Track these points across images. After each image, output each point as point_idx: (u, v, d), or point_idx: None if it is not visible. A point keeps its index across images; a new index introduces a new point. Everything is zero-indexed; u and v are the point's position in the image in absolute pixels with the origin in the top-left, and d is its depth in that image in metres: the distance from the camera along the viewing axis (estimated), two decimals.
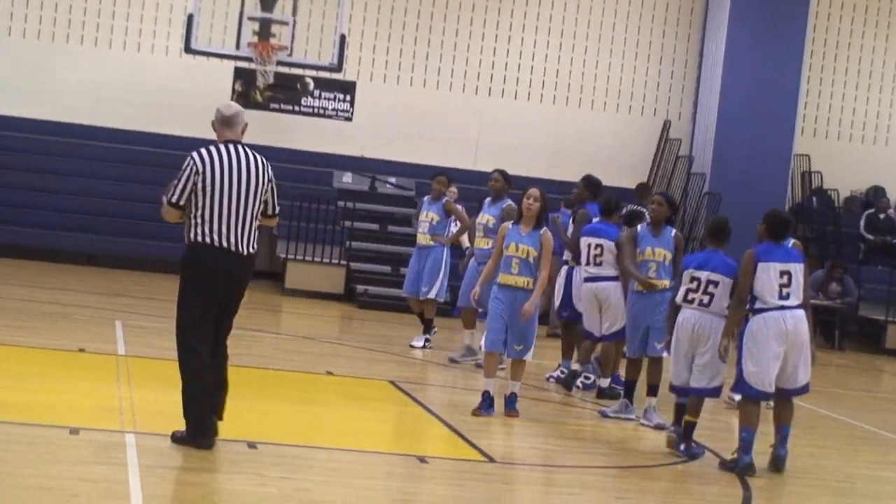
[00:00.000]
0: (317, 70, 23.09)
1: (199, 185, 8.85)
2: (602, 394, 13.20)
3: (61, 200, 22.43)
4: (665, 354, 11.72)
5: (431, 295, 15.36)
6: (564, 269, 14.17)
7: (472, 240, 15.14)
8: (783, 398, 10.51)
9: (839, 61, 26.26)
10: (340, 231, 22.58)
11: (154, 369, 12.31)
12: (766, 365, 10.20)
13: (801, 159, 25.72)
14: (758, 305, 10.18)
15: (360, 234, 23.08)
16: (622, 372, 12.77)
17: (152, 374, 12.05)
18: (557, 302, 14.34)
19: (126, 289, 18.39)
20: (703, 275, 10.65)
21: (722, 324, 10.50)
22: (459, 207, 15.89)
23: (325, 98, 24.28)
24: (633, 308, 12.08)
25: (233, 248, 8.93)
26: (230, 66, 23.21)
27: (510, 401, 11.70)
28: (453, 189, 22.39)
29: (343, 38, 20.90)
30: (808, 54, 25.20)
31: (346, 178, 24.09)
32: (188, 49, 20.89)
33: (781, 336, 10.14)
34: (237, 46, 20.98)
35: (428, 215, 15.66)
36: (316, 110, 24.28)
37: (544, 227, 11.58)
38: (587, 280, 13.22)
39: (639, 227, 12.09)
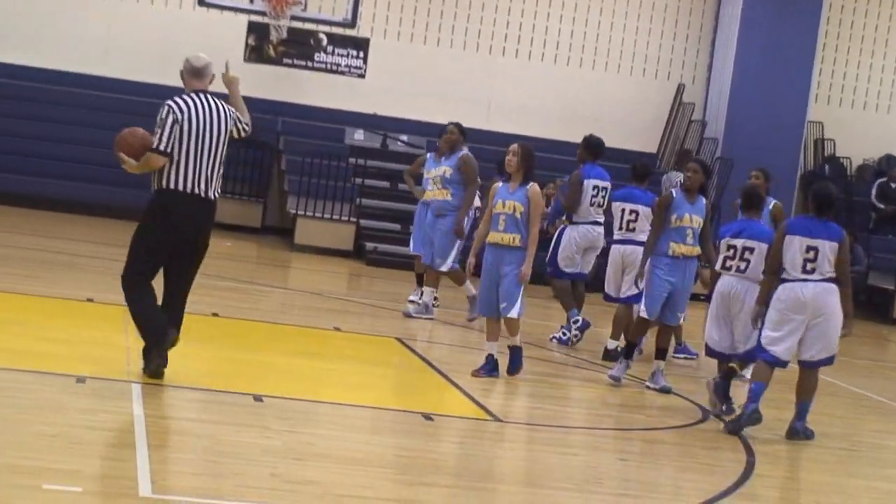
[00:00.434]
0: (330, 26, 23.00)
1: (178, 132, 9.21)
2: (608, 356, 13.22)
3: (70, 150, 22.39)
4: (682, 322, 12.00)
5: (444, 268, 14.75)
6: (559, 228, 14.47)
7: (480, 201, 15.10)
8: (804, 370, 10.56)
9: (855, 28, 26.12)
10: (351, 188, 22.55)
11: None
12: (783, 333, 10.31)
13: (815, 126, 25.63)
14: (783, 276, 10.35)
15: (371, 191, 23.05)
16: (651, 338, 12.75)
17: None
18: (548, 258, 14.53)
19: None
20: (739, 242, 11.07)
21: (757, 290, 10.73)
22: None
23: (338, 54, 24.19)
24: (661, 272, 11.78)
25: (202, 193, 9.30)
26: (244, 20, 23.11)
27: (510, 359, 11.51)
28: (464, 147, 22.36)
29: None
30: (825, 20, 25.05)
31: (358, 135, 24.03)
32: (201, 2, 20.84)
33: (799, 306, 10.25)
34: (251, 0, 20.92)
35: (439, 169, 14.82)
36: (329, 66, 24.19)
37: (532, 183, 11.41)
38: (615, 242, 13.53)
39: (673, 192, 12.00)
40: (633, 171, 13.77)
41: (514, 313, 11.41)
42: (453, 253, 14.64)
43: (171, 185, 9.24)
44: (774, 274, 10.44)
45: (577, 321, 14.11)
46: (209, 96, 9.46)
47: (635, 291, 12.74)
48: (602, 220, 14.26)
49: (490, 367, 11.47)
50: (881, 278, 22.87)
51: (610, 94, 25.36)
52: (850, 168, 25.89)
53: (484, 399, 10.49)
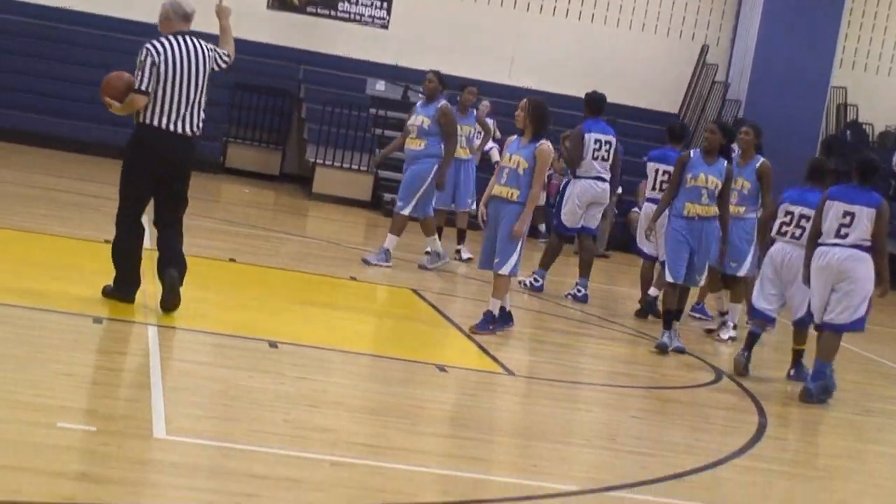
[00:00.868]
0: None
1: (156, 73, 9.62)
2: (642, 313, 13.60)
3: (92, 91, 22.35)
4: (702, 284, 11.99)
5: (405, 211, 14.54)
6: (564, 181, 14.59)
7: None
8: (824, 332, 10.73)
9: None
10: (371, 138, 22.52)
11: None
12: (811, 294, 10.73)
13: (838, 92, 25.50)
14: (821, 240, 10.64)
15: (390, 142, 22.99)
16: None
17: None
18: (555, 211, 14.59)
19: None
20: (797, 209, 11.24)
21: None
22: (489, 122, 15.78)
23: (361, 4, 24.11)
24: (679, 234, 11.74)
25: (179, 130, 9.71)
26: None
27: (483, 319, 11.25)
28: (486, 102, 22.35)
29: None
30: None
31: (379, 86, 23.98)
32: None
33: (824, 269, 10.57)
34: None
35: (417, 118, 14.56)
36: (352, 16, 24.13)
37: (542, 140, 11.16)
38: (648, 201, 13.62)
39: (691, 152, 11.94)
40: (670, 133, 14.00)
41: (504, 269, 11.19)
42: (416, 198, 14.49)
43: (149, 121, 9.69)
44: (814, 239, 10.74)
45: (540, 278, 14.39)
46: (188, 37, 9.82)
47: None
48: (607, 175, 14.38)
49: (491, 322, 11.23)
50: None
51: (633, 53, 25.24)
52: (872, 134, 25.77)
53: (498, 353, 10.51)
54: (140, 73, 9.63)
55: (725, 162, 11.77)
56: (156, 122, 9.66)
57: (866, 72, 26.02)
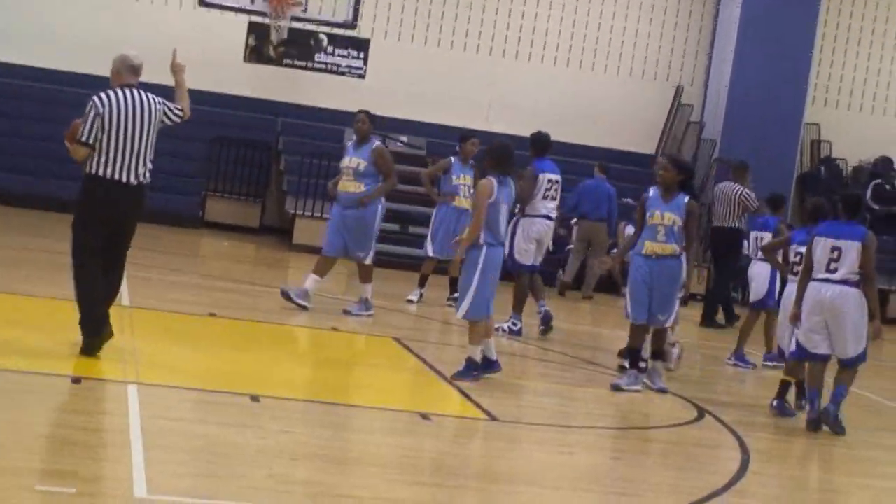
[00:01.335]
0: (331, 27, 23.00)
1: (100, 124, 9.92)
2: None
3: (43, 146, 22.19)
4: (669, 325, 11.91)
5: (369, 260, 14.57)
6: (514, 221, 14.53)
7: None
8: (839, 365, 11.18)
9: (852, 31, 26.18)
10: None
11: (159, 321, 12.36)
12: (807, 329, 11.05)
13: (811, 128, 25.67)
14: (812, 276, 11.05)
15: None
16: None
17: (157, 325, 12.10)
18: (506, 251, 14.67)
19: (132, 240, 18.36)
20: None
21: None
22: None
23: (338, 55, 24.19)
24: (638, 273, 11.75)
25: (124, 180, 9.98)
26: (244, 20, 23.09)
27: (465, 366, 11.20)
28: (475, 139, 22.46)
29: None
30: (822, 23, 25.13)
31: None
32: (202, 2, 20.85)
33: (818, 305, 10.94)
34: (251, 1, 20.93)
35: (353, 161, 14.51)
36: (329, 67, 24.18)
37: (487, 178, 11.14)
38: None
39: (651, 190, 11.92)
40: (771, 203, 15.12)
41: (458, 314, 11.28)
42: (374, 243, 14.52)
43: (95, 171, 10.00)
44: (805, 277, 11.12)
45: (517, 321, 14.45)
46: (136, 90, 10.12)
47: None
48: (554, 214, 14.62)
49: (465, 371, 11.19)
50: (877, 279, 22.80)
51: (608, 96, 25.40)
52: (845, 169, 25.93)
53: (481, 398, 10.50)
54: (83, 125, 9.98)
55: (686, 198, 11.70)
56: (100, 172, 9.97)
57: (838, 108, 26.20)
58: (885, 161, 25.82)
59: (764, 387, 13.99)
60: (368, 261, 14.48)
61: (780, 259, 12.95)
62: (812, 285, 11.01)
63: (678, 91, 25.42)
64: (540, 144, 14.78)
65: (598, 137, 24.67)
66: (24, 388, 8.87)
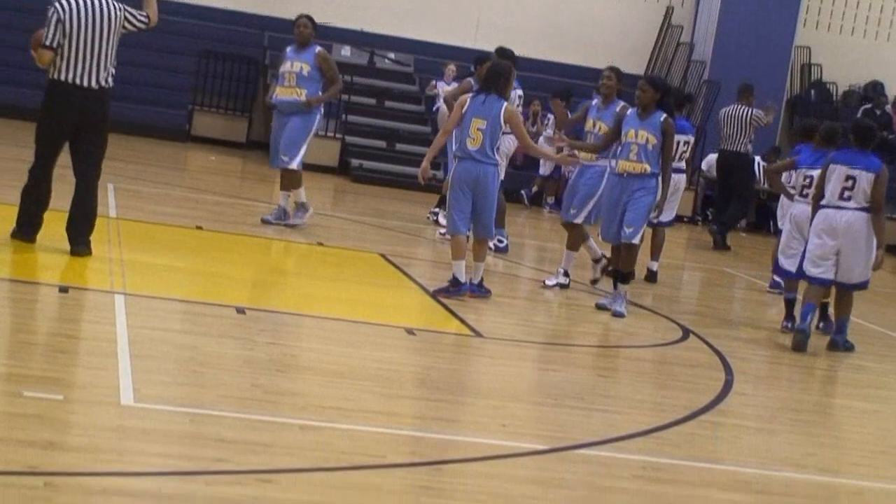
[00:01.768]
0: None
1: (62, 29, 10.15)
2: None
3: (6, 53, 21.91)
4: (637, 241, 11.78)
5: (294, 165, 13.86)
6: None
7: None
8: (839, 291, 11.39)
9: None
10: (337, 104, 22.45)
11: (146, 233, 12.35)
12: (816, 255, 11.19)
13: (802, 51, 25.55)
14: (822, 202, 11.19)
15: (357, 108, 22.97)
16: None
17: (144, 237, 12.09)
18: None
19: (120, 153, 18.33)
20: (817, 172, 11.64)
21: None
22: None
23: None
24: (610, 190, 11.66)
25: (85, 84, 10.20)
26: None
27: (474, 285, 11.30)
28: (452, 66, 22.33)
29: None
30: None
31: (345, 52, 23.89)
32: None
33: (831, 231, 11.10)
34: None
35: (295, 65, 14.01)
36: None
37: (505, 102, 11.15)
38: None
39: (628, 110, 11.80)
40: (676, 101, 14.36)
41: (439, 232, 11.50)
42: (303, 149, 13.91)
43: (57, 76, 10.23)
44: (817, 201, 11.25)
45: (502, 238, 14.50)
46: None
47: (670, 218, 14.08)
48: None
49: (446, 287, 11.21)
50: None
51: (598, 16, 25.25)
52: (836, 94, 25.87)
53: (466, 315, 10.53)
54: (47, 30, 10.18)
55: (663, 116, 11.53)
56: (62, 77, 10.20)
57: (829, 31, 26.09)
58: (875, 86, 25.76)
59: (750, 310, 14.05)
60: (294, 165, 13.82)
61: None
62: (824, 212, 11.16)
63: (668, 12, 25.27)
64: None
65: (587, 57, 24.52)
66: (11, 297, 8.86)
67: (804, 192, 12.03)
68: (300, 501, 5.60)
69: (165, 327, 8.75)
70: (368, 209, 17.34)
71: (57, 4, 10.21)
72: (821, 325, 12.26)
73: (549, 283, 12.58)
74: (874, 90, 25.67)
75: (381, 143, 22.33)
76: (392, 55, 24.21)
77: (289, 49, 14.27)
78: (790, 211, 12.40)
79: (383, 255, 13.11)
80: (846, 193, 11.06)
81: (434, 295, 11.13)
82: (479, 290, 11.30)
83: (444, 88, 22.40)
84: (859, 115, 24.76)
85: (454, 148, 11.38)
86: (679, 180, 14.27)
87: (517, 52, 15.24)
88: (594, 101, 12.37)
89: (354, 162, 21.64)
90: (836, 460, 7.86)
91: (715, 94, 23.05)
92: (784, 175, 13.09)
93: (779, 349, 11.27)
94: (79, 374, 7.22)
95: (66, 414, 6.38)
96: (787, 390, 10.03)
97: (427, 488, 6.09)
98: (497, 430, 7.40)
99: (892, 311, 15.27)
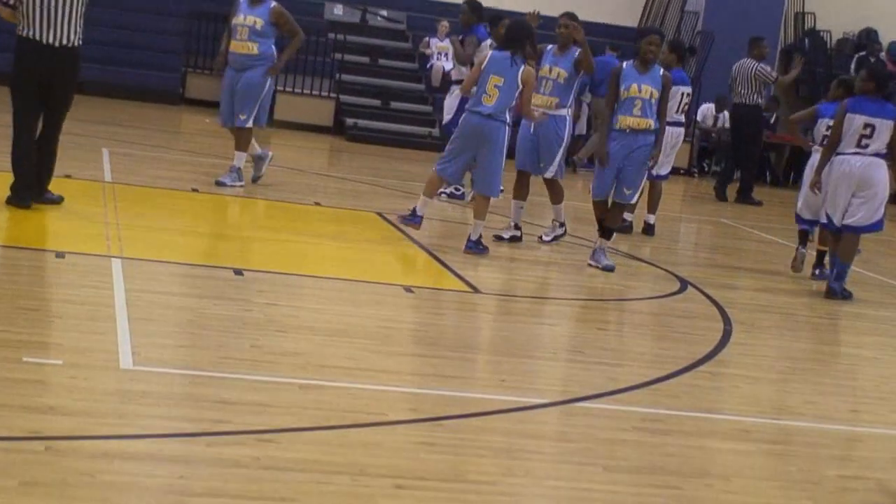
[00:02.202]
0: None
1: None
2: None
3: None
4: (633, 201, 11.86)
5: (249, 124, 13.56)
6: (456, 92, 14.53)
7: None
8: (845, 234, 11.41)
9: None
10: (330, 63, 22.41)
11: (141, 197, 12.33)
12: (831, 200, 11.35)
13: None
14: (839, 149, 11.29)
15: (351, 66, 22.91)
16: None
17: (138, 200, 12.07)
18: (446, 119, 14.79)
19: (113, 117, 18.30)
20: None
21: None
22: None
23: None
24: (611, 147, 11.37)
25: (51, 41, 10.33)
26: None
27: (472, 242, 11.35)
28: (445, 23, 22.26)
29: None
30: None
31: (337, 10, 23.82)
32: None
33: (847, 176, 11.23)
34: None
35: (248, 19, 13.55)
36: None
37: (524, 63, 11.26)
38: (669, 125, 13.55)
39: (624, 64, 11.67)
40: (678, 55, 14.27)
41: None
42: (257, 108, 13.53)
43: (24, 34, 10.41)
44: (832, 149, 11.33)
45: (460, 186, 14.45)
46: None
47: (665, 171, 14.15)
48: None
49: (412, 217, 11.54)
50: None
51: None
52: (830, 42, 25.77)
53: (464, 271, 10.54)
54: None
55: (661, 70, 11.46)
56: (28, 34, 10.36)
57: None
58: (869, 33, 25.67)
59: (748, 260, 14.07)
60: (249, 124, 13.53)
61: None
62: (841, 158, 11.26)
63: None
64: (478, 11, 14.77)
65: (580, 9, 24.23)
66: (8, 263, 8.86)
67: (825, 142, 11.99)
68: (301, 460, 5.62)
69: (163, 290, 8.76)
70: (364, 168, 17.32)
71: None
72: (817, 271, 12.36)
73: (545, 238, 12.59)
74: (868, 37, 25.58)
75: (376, 102, 22.28)
76: (384, 12, 24.12)
77: (242, 1, 13.61)
78: (810, 161, 12.39)
79: (380, 214, 13.10)
80: (864, 141, 11.18)
81: (395, 222, 11.52)
82: (477, 248, 11.30)
83: (436, 45, 22.38)
84: (853, 63, 24.74)
85: (468, 103, 11.47)
86: (679, 134, 14.31)
87: (510, 8, 15.23)
88: (549, 47, 12.29)
89: (349, 121, 21.60)
90: (835, 408, 7.88)
91: (709, 45, 22.96)
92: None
93: (777, 298, 11.29)
94: (78, 339, 7.23)
95: (66, 378, 6.39)
96: (786, 339, 10.04)
97: (428, 444, 6.11)
98: (497, 385, 7.42)
99: (889, 259, 15.27)
